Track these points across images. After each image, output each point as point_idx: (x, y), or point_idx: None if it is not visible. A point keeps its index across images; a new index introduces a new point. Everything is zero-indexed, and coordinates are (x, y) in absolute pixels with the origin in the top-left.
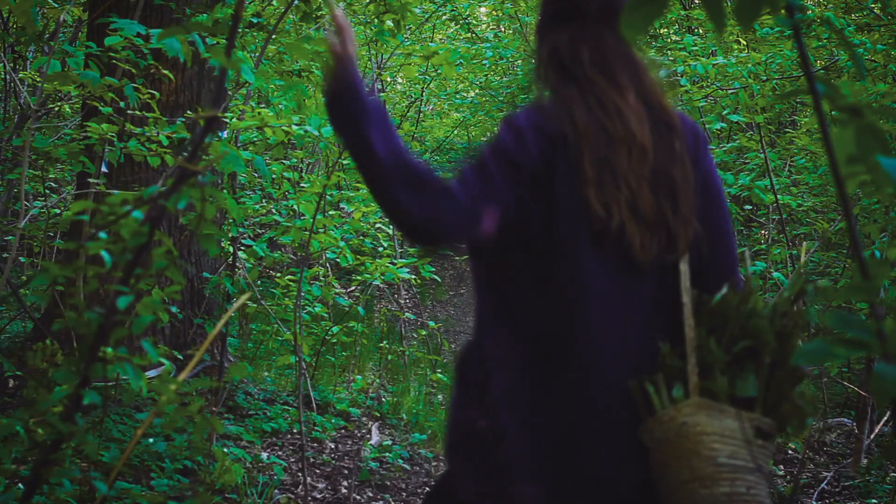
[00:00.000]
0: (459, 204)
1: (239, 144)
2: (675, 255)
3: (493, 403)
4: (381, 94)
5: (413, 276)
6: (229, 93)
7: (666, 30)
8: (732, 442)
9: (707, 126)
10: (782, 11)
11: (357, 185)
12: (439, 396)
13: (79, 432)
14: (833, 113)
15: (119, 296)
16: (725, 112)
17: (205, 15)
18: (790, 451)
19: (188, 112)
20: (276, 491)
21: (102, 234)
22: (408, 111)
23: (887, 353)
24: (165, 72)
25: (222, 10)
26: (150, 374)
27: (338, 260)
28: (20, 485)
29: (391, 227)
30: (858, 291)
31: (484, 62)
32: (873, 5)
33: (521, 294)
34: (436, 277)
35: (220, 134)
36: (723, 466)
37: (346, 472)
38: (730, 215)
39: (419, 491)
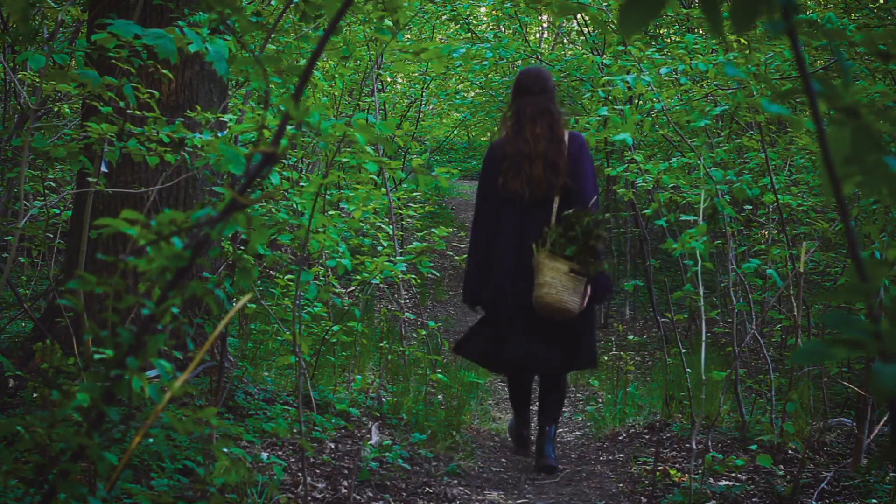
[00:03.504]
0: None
1: (239, 144)
2: (554, 195)
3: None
4: (381, 95)
5: (413, 276)
6: (229, 93)
7: (665, 30)
8: (556, 272)
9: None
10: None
11: (356, 184)
12: (439, 396)
13: (95, 448)
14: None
15: (151, 315)
16: (715, 110)
17: (205, 14)
18: (790, 451)
19: (188, 112)
20: (276, 491)
21: (150, 251)
22: (408, 111)
23: (884, 352)
24: (165, 71)
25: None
26: (150, 374)
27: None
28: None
29: (390, 226)
30: (855, 292)
31: (484, 62)
32: (873, 5)
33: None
34: (435, 273)
35: (219, 133)
36: (545, 280)
37: (346, 472)
38: (587, 177)
39: (419, 491)
